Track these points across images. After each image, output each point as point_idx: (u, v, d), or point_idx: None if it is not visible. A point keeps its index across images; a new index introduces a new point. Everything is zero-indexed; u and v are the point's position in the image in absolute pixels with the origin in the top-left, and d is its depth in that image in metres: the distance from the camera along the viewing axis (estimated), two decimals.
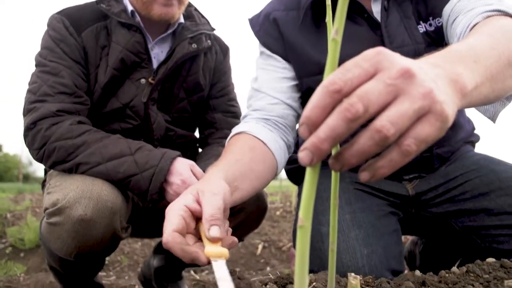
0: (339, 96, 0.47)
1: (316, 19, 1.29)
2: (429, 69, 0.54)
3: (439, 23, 1.22)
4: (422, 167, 1.33)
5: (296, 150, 1.55)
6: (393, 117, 0.46)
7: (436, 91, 0.49)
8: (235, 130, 1.23)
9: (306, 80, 1.29)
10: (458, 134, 1.36)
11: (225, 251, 0.76)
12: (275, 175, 1.22)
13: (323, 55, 1.22)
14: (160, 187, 1.24)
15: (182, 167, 1.26)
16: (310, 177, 0.51)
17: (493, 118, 1.12)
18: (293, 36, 1.30)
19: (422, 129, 0.48)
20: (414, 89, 0.48)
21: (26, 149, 1.36)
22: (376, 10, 1.25)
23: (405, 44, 1.21)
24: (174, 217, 0.79)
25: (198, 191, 0.84)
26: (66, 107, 1.31)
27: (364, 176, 0.51)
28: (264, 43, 1.36)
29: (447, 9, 1.14)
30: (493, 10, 0.93)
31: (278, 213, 4.92)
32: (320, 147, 0.47)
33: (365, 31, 1.25)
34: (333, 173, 0.58)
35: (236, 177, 1.00)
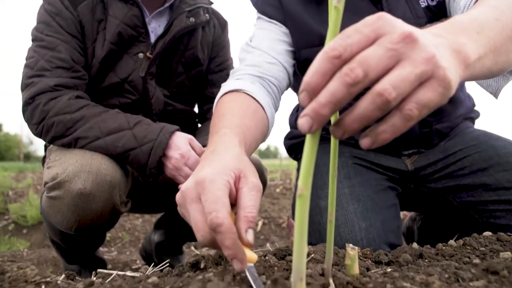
0: (340, 62, 0.47)
1: None
2: (432, 37, 0.53)
3: None
4: (421, 143, 1.33)
5: (295, 126, 1.55)
6: (395, 81, 0.46)
7: (439, 56, 0.49)
8: (230, 85, 1.14)
9: (305, 52, 1.28)
10: (458, 110, 1.36)
11: (255, 255, 0.67)
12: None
13: (324, 27, 1.22)
14: (158, 161, 1.24)
15: (181, 141, 1.26)
16: (309, 145, 0.51)
17: (495, 94, 1.11)
18: (293, 5, 1.29)
19: (424, 94, 0.48)
20: (417, 53, 0.48)
21: (26, 129, 1.36)
22: None
23: (406, 18, 1.19)
24: (225, 195, 0.67)
25: (241, 173, 0.73)
26: (64, 81, 1.30)
27: (365, 142, 0.51)
28: (263, 12, 1.34)
29: None
30: None
31: (278, 190, 4.95)
32: (321, 112, 0.47)
33: (365, 4, 1.24)
34: (332, 141, 0.58)
35: (246, 150, 0.92)
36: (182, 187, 0.72)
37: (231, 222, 0.63)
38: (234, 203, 0.72)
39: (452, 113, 1.34)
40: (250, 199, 0.69)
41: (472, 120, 1.45)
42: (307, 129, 0.48)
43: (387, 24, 0.48)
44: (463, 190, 1.24)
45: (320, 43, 1.24)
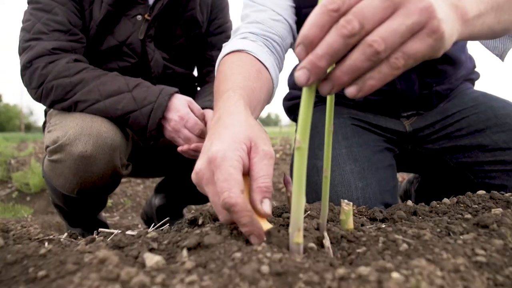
0: (337, 15, 0.47)
1: None
2: None
3: None
4: (420, 104, 1.33)
5: (294, 87, 1.54)
6: (385, 33, 0.47)
7: (436, 6, 0.49)
8: (232, 45, 1.11)
9: (305, 11, 1.25)
10: (459, 72, 1.35)
11: (270, 226, 0.66)
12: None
13: None
14: (158, 123, 1.24)
15: (180, 103, 1.26)
16: (306, 98, 0.51)
17: (502, 56, 1.11)
18: None
19: (412, 44, 0.49)
20: (412, 3, 0.48)
21: (26, 99, 1.35)
22: None
23: None
24: (237, 172, 0.64)
25: (251, 141, 0.71)
26: (62, 45, 1.29)
27: (351, 90, 0.51)
28: None
29: None
30: None
31: (277, 155, 4.98)
32: (317, 64, 0.48)
33: None
34: (328, 98, 0.58)
35: (252, 112, 0.89)
36: (195, 167, 0.70)
37: (244, 200, 0.62)
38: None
39: (453, 75, 1.34)
40: (261, 169, 0.67)
41: (472, 81, 1.45)
42: (304, 81, 0.49)
43: None
44: (460, 151, 1.25)
45: None
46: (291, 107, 1.57)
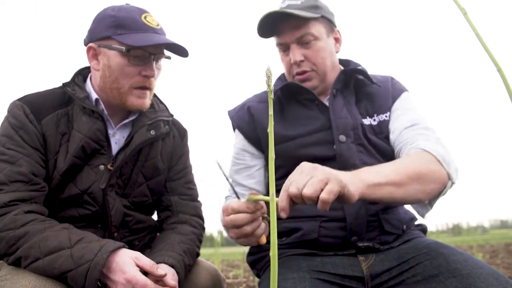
0: None
1: (279, 107, 1.63)
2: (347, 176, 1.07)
3: (381, 118, 1.53)
4: (374, 234, 1.43)
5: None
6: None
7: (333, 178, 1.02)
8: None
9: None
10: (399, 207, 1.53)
11: None
12: None
13: (284, 129, 1.57)
14: (96, 283, 1.17)
15: (125, 261, 1.21)
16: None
17: (423, 216, 1.47)
18: (262, 117, 1.64)
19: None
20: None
21: None
22: (326, 103, 1.56)
23: (348, 125, 1.51)
24: None
25: None
26: (20, 195, 1.28)
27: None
28: (237, 125, 1.71)
29: (395, 129, 1.53)
30: (419, 148, 1.38)
31: None
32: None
33: (316, 113, 1.56)
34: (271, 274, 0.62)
35: None
36: None
37: None
38: None
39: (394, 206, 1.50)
40: None
41: (423, 230, 1.59)
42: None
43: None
44: None
45: (281, 141, 1.55)
46: (254, 262, 1.62)
